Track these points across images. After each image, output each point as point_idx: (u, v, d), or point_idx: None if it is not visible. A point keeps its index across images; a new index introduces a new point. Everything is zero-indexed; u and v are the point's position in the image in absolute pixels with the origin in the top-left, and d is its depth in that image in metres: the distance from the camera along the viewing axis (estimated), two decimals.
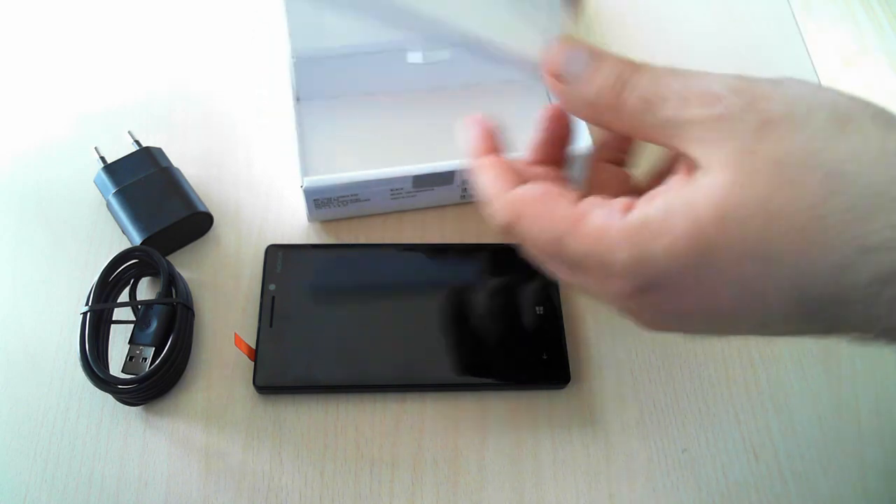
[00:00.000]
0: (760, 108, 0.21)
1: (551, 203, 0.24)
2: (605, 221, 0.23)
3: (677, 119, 0.22)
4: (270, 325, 0.34)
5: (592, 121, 0.24)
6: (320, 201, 0.36)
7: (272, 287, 0.35)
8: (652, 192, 0.22)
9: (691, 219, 0.21)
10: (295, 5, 0.36)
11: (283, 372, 0.33)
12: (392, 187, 0.36)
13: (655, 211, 0.22)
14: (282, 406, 0.33)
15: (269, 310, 0.34)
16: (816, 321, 0.21)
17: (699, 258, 0.21)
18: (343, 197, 0.36)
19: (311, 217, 0.38)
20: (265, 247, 0.36)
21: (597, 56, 0.23)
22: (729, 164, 0.21)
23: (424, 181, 0.36)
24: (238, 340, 0.33)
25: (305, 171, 0.35)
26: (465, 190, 0.38)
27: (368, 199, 0.37)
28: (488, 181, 0.26)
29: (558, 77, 0.24)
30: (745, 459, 0.33)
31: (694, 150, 0.22)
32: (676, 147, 0.22)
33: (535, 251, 0.26)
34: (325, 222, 0.38)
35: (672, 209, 0.21)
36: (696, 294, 0.22)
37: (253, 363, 0.33)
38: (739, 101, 0.21)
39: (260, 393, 0.33)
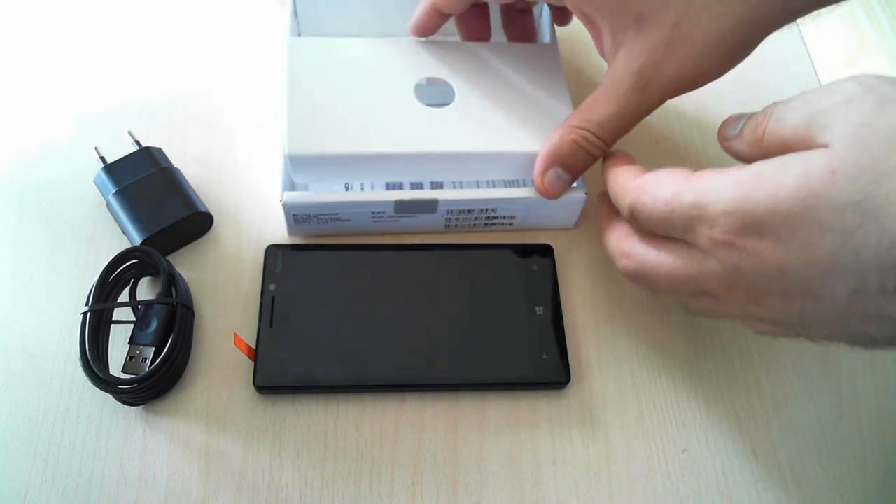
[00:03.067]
0: (880, 91, 0.24)
1: (674, 171, 0.28)
2: (718, 174, 0.26)
3: (806, 116, 0.25)
4: (270, 325, 0.34)
5: (748, 157, 0.28)
6: (300, 217, 0.36)
7: (272, 287, 0.35)
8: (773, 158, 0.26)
9: (803, 170, 0.24)
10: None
11: (283, 372, 0.33)
12: (373, 210, 0.36)
13: (770, 165, 0.25)
14: (282, 406, 0.33)
15: (269, 310, 0.34)
16: None
17: (801, 204, 0.23)
18: (323, 215, 0.36)
19: (291, 231, 0.37)
20: (265, 247, 0.36)
21: (745, 116, 0.29)
22: (848, 135, 0.23)
23: (407, 207, 0.36)
24: (238, 340, 0.33)
25: (287, 185, 0.35)
26: (448, 220, 0.37)
27: (349, 220, 0.36)
28: (620, 176, 0.31)
29: (725, 138, 0.29)
30: (745, 459, 0.33)
31: (823, 137, 0.24)
32: (808, 143, 0.25)
33: (649, 222, 0.29)
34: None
35: (787, 163, 0.24)
36: (797, 241, 0.24)
37: (253, 363, 0.33)
38: (860, 87, 0.24)
39: (260, 393, 0.33)
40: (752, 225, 0.24)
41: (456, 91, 0.37)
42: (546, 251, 0.37)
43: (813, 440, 0.34)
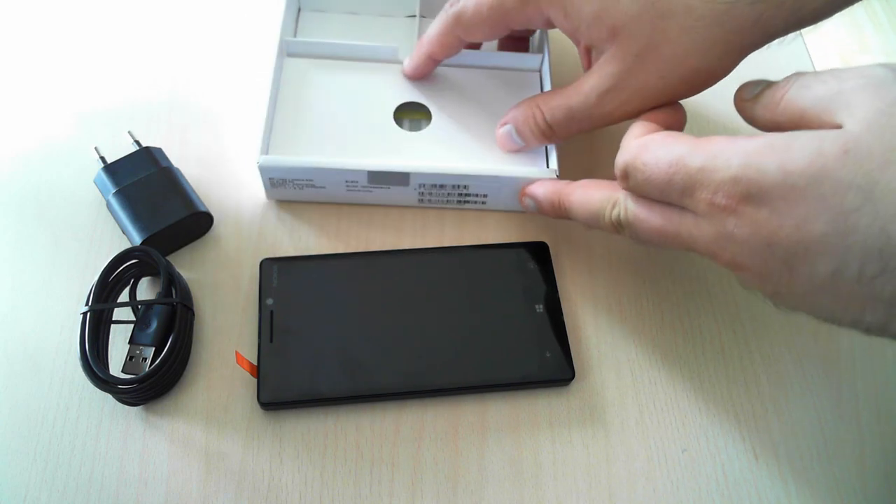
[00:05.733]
0: None
1: (677, 135, 0.29)
2: (726, 140, 0.26)
3: (832, 90, 0.25)
4: (271, 341, 0.33)
5: (759, 120, 0.29)
6: (275, 181, 0.37)
7: (269, 301, 0.35)
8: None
9: (815, 146, 0.24)
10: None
11: (286, 387, 0.32)
12: (347, 178, 0.37)
13: (782, 137, 0.25)
14: (282, 409, 0.33)
15: (269, 325, 0.34)
16: (887, 285, 0.23)
17: (809, 179, 0.23)
18: (298, 180, 0.37)
19: (269, 195, 0.38)
20: (263, 252, 0.36)
21: (765, 82, 0.29)
22: (866, 119, 0.23)
23: (379, 178, 0.36)
24: (240, 359, 0.33)
25: (265, 150, 0.36)
26: (422, 194, 0.38)
27: (324, 187, 0.37)
28: (632, 130, 0.31)
29: (742, 99, 0.29)
30: (745, 459, 0.33)
31: (841, 115, 0.24)
32: (823, 121, 0.25)
33: (645, 183, 0.28)
34: (321, 226, 0.38)
35: (798, 137, 0.24)
36: (794, 216, 0.24)
37: (255, 380, 0.33)
38: (891, 74, 0.24)
39: (264, 409, 0.33)
40: (756, 194, 0.25)
41: (433, 114, 0.39)
42: (542, 248, 0.37)
43: (813, 440, 0.34)
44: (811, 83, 0.26)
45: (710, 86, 0.31)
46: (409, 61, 0.39)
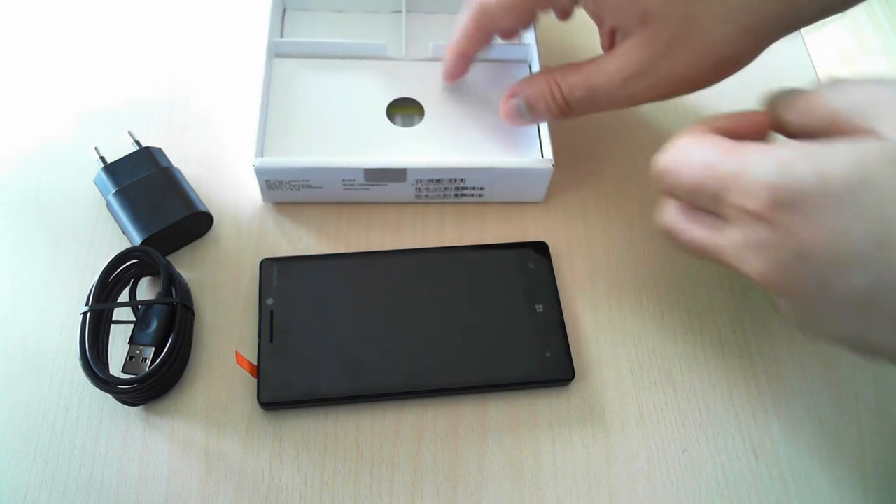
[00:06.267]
0: None
1: (718, 138, 0.27)
2: (761, 147, 0.25)
3: (870, 97, 0.25)
4: (271, 340, 0.34)
5: (788, 122, 0.28)
6: (272, 182, 0.37)
7: (270, 301, 0.35)
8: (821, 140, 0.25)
9: (857, 155, 0.23)
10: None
11: (286, 387, 0.32)
12: (344, 177, 0.37)
13: (819, 145, 0.24)
14: (282, 409, 0.33)
15: (269, 325, 0.34)
16: None
17: (848, 187, 0.22)
18: (294, 181, 0.37)
19: (266, 197, 0.38)
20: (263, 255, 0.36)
21: (800, 89, 0.28)
22: None
23: (376, 175, 0.36)
24: (240, 359, 0.33)
25: (260, 152, 0.36)
26: (419, 189, 0.38)
27: (321, 187, 0.37)
28: (682, 132, 0.29)
29: (769, 104, 0.28)
30: (745, 459, 0.33)
31: (881, 125, 0.24)
32: (856, 125, 0.24)
33: (677, 186, 0.28)
34: (321, 226, 0.38)
35: (837, 145, 0.23)
36: (829, 224, 0.23)
37: (256, 380, 0.33)
38: None
39: (264, 409, 0.33)
40: (790, 200, 0.23)
41: (426, 109, 0.39)
42: (542, 248, 0.37)
43: (813, 440, 0.34)
44: (847, 88, 0.26)
45: (734, 73, 0.31)
46: (444, 67, 0.39)
